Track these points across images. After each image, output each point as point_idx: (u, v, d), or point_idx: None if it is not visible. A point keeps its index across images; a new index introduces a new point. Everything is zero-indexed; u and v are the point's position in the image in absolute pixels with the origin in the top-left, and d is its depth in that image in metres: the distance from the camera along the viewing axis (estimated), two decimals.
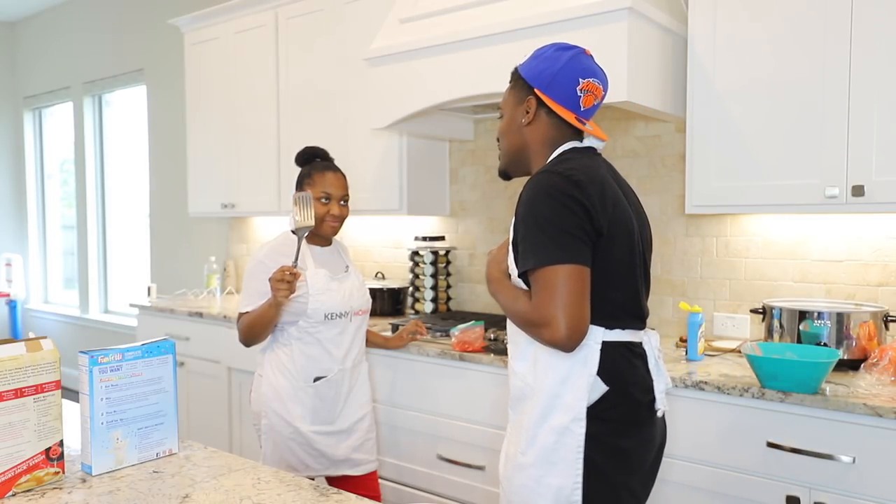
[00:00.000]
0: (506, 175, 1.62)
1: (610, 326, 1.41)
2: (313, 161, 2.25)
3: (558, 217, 1.34)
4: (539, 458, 1.40)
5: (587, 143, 1.54)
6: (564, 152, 1.49)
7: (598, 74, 1.50)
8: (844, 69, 1.97)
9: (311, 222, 2.07)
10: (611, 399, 1.39)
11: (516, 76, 1.55)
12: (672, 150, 2.65)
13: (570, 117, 1.48)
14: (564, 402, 1.39)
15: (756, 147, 2.13)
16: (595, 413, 1.38)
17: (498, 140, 1.61)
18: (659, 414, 1.48)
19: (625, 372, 1.41)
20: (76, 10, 5.64)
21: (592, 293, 1.37)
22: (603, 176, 1.44)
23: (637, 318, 1.46)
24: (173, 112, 4.71)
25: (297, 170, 2.27)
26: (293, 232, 2.08)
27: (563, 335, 1.32)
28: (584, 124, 1.50)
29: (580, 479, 1.37)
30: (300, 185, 2.20)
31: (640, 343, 1.47)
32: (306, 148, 2.28)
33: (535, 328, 1.36)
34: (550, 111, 1.49)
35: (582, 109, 1.49)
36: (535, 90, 1.49)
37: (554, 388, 1.40)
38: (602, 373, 1.38)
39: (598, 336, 1.39)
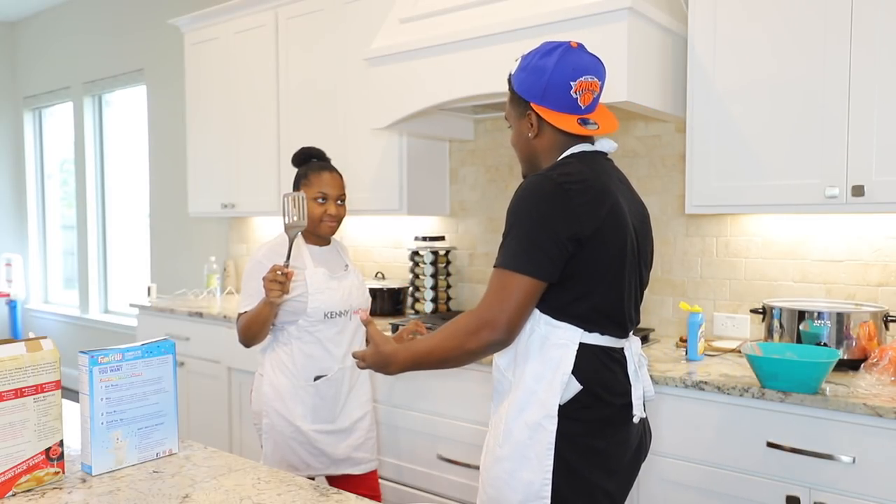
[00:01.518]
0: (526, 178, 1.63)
1: (589, 329, 1.42)
2: (309, 161, 2.25)
3: (535, 225, 1.37)
4: (513, 452, 1.42)
5: (598, 146, 1.53)
6: (568, 156, 1.49)
7: (590, 68, 1.47)
8: (844, 69, 1.97)
9: (304, 222, 2.06)
10: (584, 400, 1.40)
11: (511, 88, 1.55)
12: (672, 150, 2.65)
13: (570, 124, 1.46)
14: (539, 398, 1.41)
15: (756, 147, 2.13)
16: (568, 413, 1.40)
17: (512, 147, 1.62)
18: (635, 420, 1.49)
19: (600, 374, 1.42)
20: (76, 10, 5.65)
21: (573, 294, 1.40)
22: (600, 182, 1.43)
23: (619, 325, 1.46)
24: (173, 112, 4.71)
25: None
26: (286, 230, 2.07)
27: (501, 337, 1.38)
28: (589, 123, 1.48)
29: (550, 475, 1.39)
30: (297, 186, 2.20)
31: (621, 349, 1.48)
32: (302, 149, 2.28)
33: (475, 332, 1.38)
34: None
35: (583, 108, 1.48)
36: (532, 104, 1.49)
37: (530, 384, 1.42)
38: (577, 373, 1.40)
39: (575, 337, 1.41)
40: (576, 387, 1.40)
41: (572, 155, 1.48)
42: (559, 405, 1.40)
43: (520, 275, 1.36)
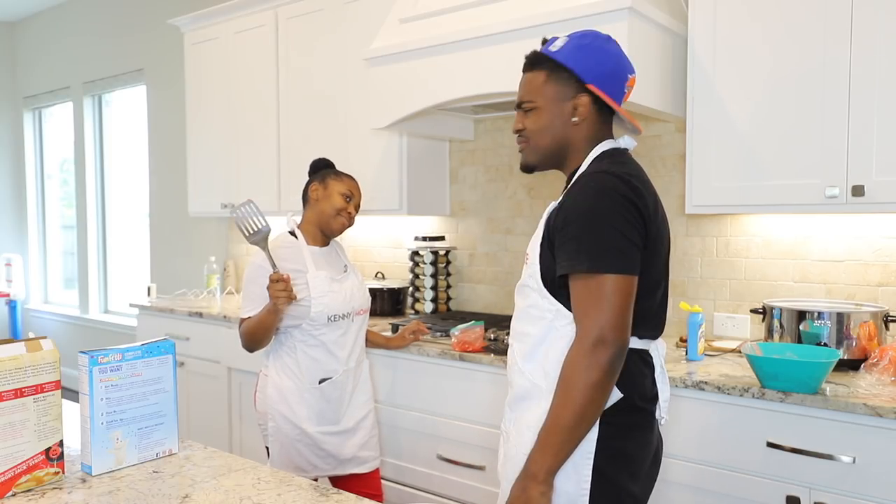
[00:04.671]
0: (530, 169, 1.51)
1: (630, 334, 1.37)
2: (326, 169, 2.29)
3: (616, 221, 1.28)
4: None
5: (622, 143, 1.48)
6: (613, 153, 1.43)
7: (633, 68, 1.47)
8: (844, 69, 1.97)
9: (267, 227, 2.04)
10: (619, 405, 1.35)
11: (552, 65, 1.42)
12: (672, 150, 2.65)
13: (624, 114, 1.43)
14: None
15: (756, 147, 2.13)
16: (603, 418, 1.34)
17: (519, 132, 1.49)
18: (662, 423, 1.47)
19: (635, 379, 1.38)
20: (76, 10, 5.64)
21: None
22: (651, 182, 1.41)
23: (656, 328, 1.43)
24: (173, 112, 4.71)
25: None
26: (253, 244, 2.05)
27: (617, 349, 1.26)
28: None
29: (588, 484, 1.33)
30: (322, 179, 2.22)
31: (648, 350, 1.44)
32: (321, 158, 2.32)
33: (589, 360, 1.25)
34: (600, 109, 1.43)
35: (621, 104, 1.46)
36: (590, 86, 1.40)
37: None
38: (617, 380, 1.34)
39: None
40: (616, 395, 1.33)
41: (614, 152, 1.43)
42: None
43: (612, 275, 1.26)
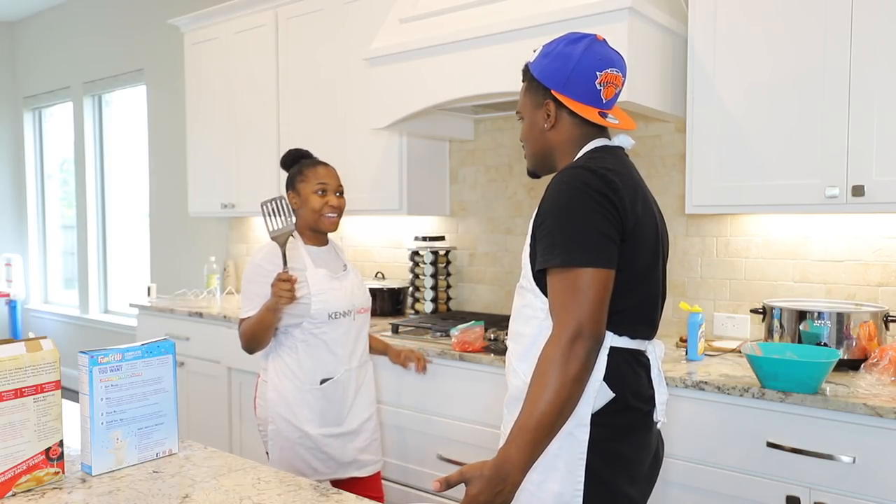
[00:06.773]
0: (534, 175, 1.57)
1: (619, 333, 1.37)
2: (299, 161, 2.23)
3: (589, 215, 1.28)
4: (541, 463, 1.34)
5: (616, 141, 1.48)
6: (595, 149, 1.43)
7: (616, 62, 1.43)
8: (845, 68, 1.97)
9: (292, 225, 2.06)
10: (612, 406, 1.35)
11: (529, 76, 1.49)
12: (672, 150, 2.65)
13: (592, 114, 1.42)
14: None
15: (756, 147, 2.13)
16: (596, 419, 1.34)
17: (522, 141, 1.56)
18: (658, 425, 1.46)
19: (628, 379, 1.37)
20: (76, 10, 5.65)
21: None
22: (635, 178, 1.40)
23: (648, 327, 1.42)
24: (173, 112, 4.71)
25: None
26: (273, 239, 2.06)
27: (593, 343, 1.26)
28: (606, 117, 1.44)
29: (581, 485, 1.34)
30: (292, 185, 2.18)
31: (644, 352, 1.43)
32: (290, 150, 2.26)
33: (567, 354, 1.24)
34: (572, 111, 1.44)
35: (604, 102, 1.43)
36: (553, 92, 1.43)
37: None
38: (608, 379, 1.35)
39: (607, 341, 1.35)
40: (608, 394, 1.34)
41: (596, 149, 1.43)
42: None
43: (587, 269, 1.26)
